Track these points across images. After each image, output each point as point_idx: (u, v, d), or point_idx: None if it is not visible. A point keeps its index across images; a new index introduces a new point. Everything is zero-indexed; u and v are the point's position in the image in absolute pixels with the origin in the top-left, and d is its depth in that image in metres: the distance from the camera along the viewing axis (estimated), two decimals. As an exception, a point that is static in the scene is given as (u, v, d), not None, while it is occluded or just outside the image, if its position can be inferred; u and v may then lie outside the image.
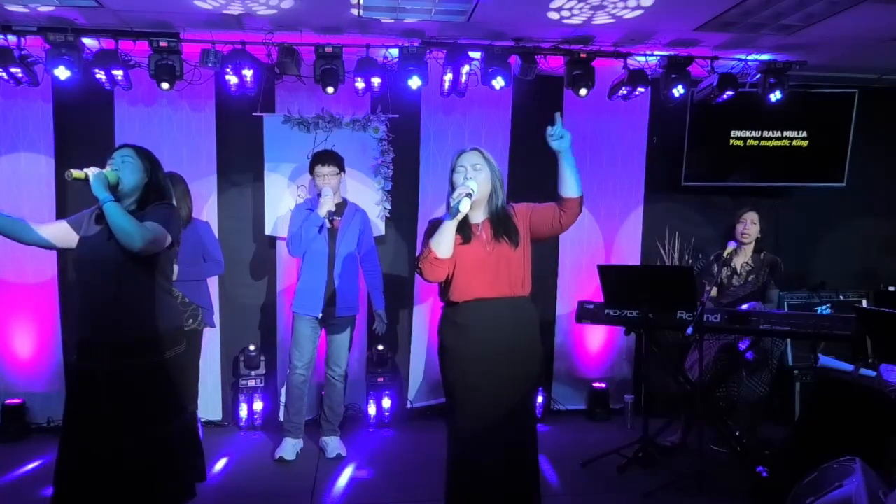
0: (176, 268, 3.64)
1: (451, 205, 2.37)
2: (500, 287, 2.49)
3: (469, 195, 2.37)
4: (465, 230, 2.50)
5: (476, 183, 2.44)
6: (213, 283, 4.34)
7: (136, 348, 2.39)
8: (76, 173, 2.36)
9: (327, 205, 3.66)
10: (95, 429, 2.35)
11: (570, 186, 2.43)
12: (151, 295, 2.47)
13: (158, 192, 2.54)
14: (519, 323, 2.52)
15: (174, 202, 2.70)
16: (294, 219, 3.84)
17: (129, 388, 2.37)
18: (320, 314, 3.77)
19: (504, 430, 2.45)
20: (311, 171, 3.82)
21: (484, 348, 2.47)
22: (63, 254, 4.14)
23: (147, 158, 2.54)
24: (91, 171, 2.37)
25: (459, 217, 2.38)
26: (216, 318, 4.19)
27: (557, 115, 2.43)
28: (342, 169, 3.84)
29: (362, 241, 3.89)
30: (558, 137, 2.39)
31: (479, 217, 2.55)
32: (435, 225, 2.50)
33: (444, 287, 2.56)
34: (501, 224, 2.52)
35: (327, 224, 3.72)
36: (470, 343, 2.48)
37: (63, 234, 2.50)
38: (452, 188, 2.49)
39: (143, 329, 2.42)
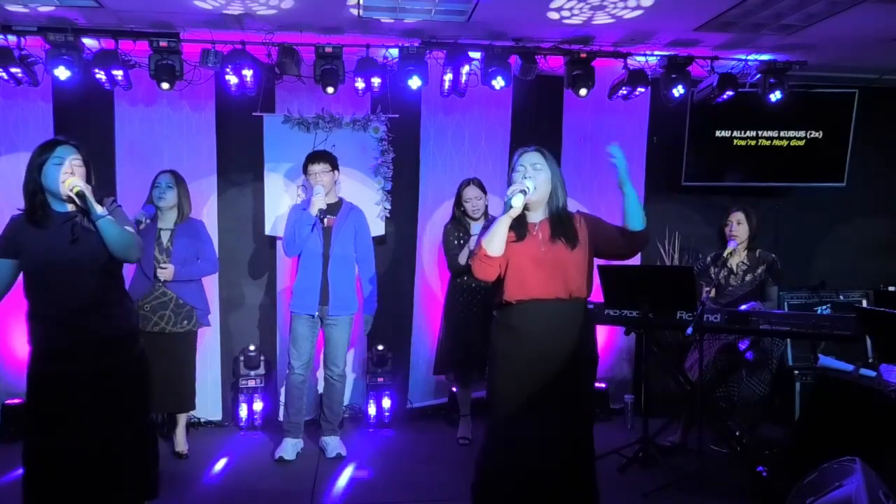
0: (171, 267, 3.64)
1: (505, 200, 2.35)
2: (555, 288, 2.44)
3: (524, 192, 2.34)
4: (520, 228, 2.46)
5: (533, 182, 2.41)
6: (212, 283, 4.34)
7: (113, 347, 2.39)
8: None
9: (318, 203, 3.64)
10: (75, 432, 2.33)
11: (627, 219, 2.49)
12: (119, 294, 2.49)
13: (95, 195, 2.44)
14: (573, 326, 2.48)
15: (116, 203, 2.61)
16: (290, 219, 3.85)
17: (109, 387, 2.37)
18: (316, 313, 3.77)
19: (548, 433, 2.41)
20: (305, 170, 3.82)
21: (536, 350, 2.43)
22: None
23: (88, 160, 2.46)
24: (84, 186, 2.32)
25: (513, 213, 2.35)
26: (216, 318, 4.19)
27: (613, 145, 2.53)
28: (335, 167, 3.83)
29: (358, 241, 3.87)
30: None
31: (537, 217, 2.52)
32: (491, 223, 2.48)
33: (497, 288, 2.51)
34: (560, 225, 2.48)
35: (320, 223, 3.71)
36: (523, 346, 2.44)
37: (11, 267, 2.43)
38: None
39: (118, 328, 2.43)
